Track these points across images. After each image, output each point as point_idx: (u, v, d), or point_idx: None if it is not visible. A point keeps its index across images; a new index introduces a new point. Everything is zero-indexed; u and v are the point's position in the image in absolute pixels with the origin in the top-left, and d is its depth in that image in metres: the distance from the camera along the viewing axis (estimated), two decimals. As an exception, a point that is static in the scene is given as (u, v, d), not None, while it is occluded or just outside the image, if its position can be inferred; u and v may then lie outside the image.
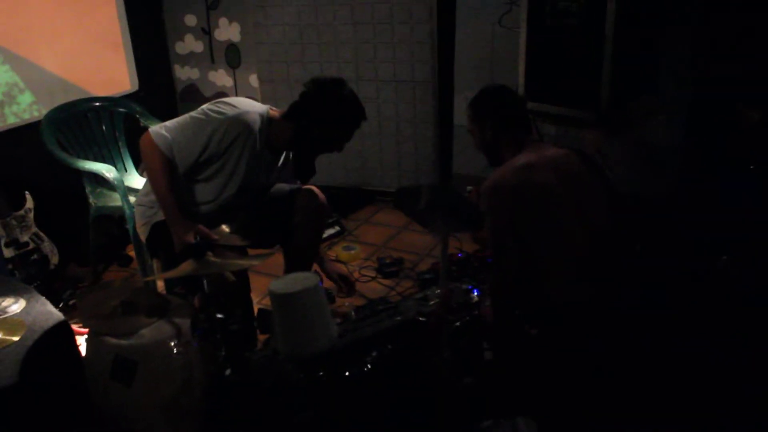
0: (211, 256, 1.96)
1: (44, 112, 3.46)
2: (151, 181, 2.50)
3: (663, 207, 3.07)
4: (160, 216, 2.55)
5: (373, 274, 3.46)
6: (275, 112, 2.61)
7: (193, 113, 2.49)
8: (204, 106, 2.50)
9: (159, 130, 2.43)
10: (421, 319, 2.17)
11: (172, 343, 2.15)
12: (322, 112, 2.50)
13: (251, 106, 2.54)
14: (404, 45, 3.95)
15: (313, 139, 2.55)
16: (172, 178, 2.44)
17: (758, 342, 2.39)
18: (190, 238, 2.28)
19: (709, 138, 3.18)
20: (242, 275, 2.60)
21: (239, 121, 2.45)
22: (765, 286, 2.65)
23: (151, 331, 2.19)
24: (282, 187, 2.82)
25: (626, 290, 2.28)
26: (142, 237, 2.69)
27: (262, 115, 2.53)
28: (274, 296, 1.94)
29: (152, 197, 2.58)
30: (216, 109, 2.47)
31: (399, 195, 2.26)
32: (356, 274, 3.44)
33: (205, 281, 1.95)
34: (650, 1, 3.07)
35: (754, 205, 2.94)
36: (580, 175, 2.34)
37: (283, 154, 2.73)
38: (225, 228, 2.42)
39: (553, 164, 2.32)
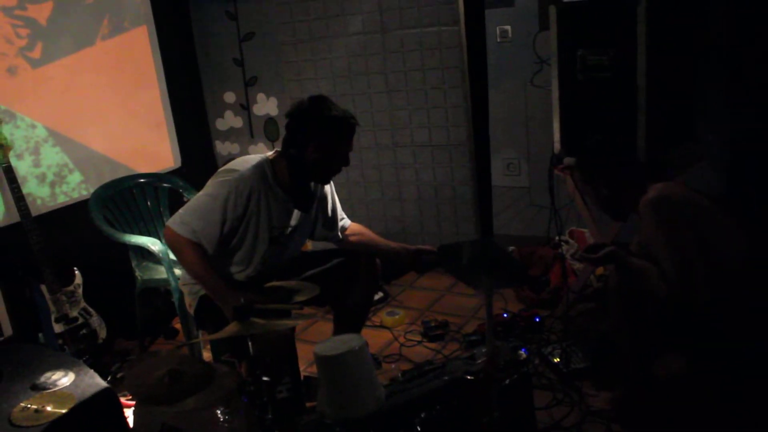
0: (255, 319, 1.97)
1: (92, 190, 3.57)
2: (189, 271, 2.53)
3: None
4: None
5: (418, 338, 3.42)
6: (273, 154, 2.63)
7: (200, 194, 2.54)
8: (208, 183, 2.55)
9: (177, 220, 2.47)
10: (469, 378, 2.12)
11: (219, 411, 2.14)
12: (305, 133, 2.50)
13: (248, 161, 2.58)
14: (438, 110, 4.01)
15: (308, 163, 2.53)
16: (206, 259, 2.47)
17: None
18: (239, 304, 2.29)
19: (754, 183, 3.14)
20: (289, 341, 2.59)
21: (245, 178, 2.50)
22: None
23: (197, 399, 2.18)
24: (324, 245, 2.83)
25: None
26: (190, 310, 2.71)
27: (261, 164, 2.56)
28: (319, 358, 1.92)
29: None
30: (219, 180, 2.52)
31: (441, 252, 2.25)
32: (401, 339, 3.41)
33: (250, 344, 1.94)
34: (681, 51, 3.09)
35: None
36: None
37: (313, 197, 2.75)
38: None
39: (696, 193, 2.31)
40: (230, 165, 2.58)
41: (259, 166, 2.55)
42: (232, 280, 2.59)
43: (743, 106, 3.15)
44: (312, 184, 2.73)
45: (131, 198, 3.64)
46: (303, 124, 2.51)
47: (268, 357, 2.17)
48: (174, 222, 2.47)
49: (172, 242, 2.48)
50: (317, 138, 2.49)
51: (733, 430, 2.20)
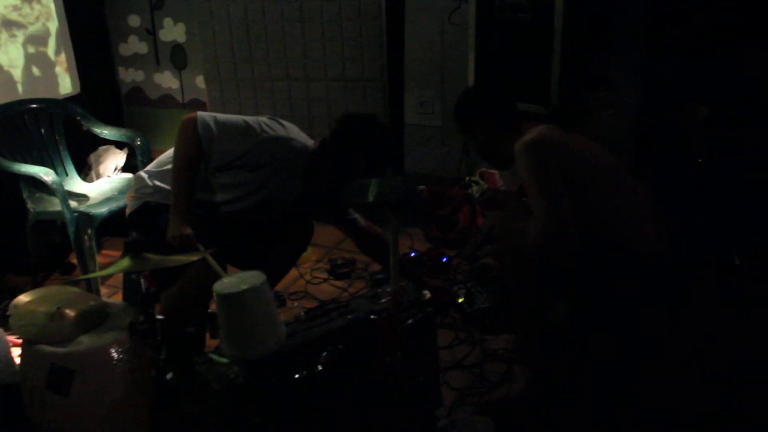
0: (149, 255, 1.88)
1: (-22, 115, 3.32)
2: (176, 163, 2.38)
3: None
4: (157, 199, 2.47)
5: (324, 276, 3.39)
6: (315, 144, 2.59)
7: (247, 118, 2.45)
8: (259, 118, 2.48)
9: (208, 120, 2.35)
10: (372, 317, 2.10)
11: (112, 350, 2.05)
12: (346, 148, 2.47)
13: (300, 136, 2.56)
14: (353, 43, 3.89)
15: (329, 170, 2.51)
16: (197, 168, 2.37)
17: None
18: (185, 231, 2.23)
19: (659, 132, 3.21)
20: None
21: (284, 144, 2.46)
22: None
23: (90, 337, 2.09)
24: None
25: None
26: (127, 209, 2.57)
27: (306, 148, 2.54)
28: (219, 296, 1.86)
29: (158, 183, 2.49)
30: (269, 124, 2.46)
31: (348, 188, 2.19)
32: (307, 276, 3.37)
33: (142, 281, 1.86)
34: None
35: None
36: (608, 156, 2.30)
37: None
38: None
39: (581, 139, 2.28)
40: (288, 125, 2.55)
41: (303, 149, 2.52)
42: (203, 204, 2.48)
43: (657, 54, 3.19)
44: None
45: (23, 125, 3.41)
46: (347, 138, 2.49)
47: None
48: (204, 118, 2.35)
49: (185, 129, 2.35)
50: (351, 155, 2.46)
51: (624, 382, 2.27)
